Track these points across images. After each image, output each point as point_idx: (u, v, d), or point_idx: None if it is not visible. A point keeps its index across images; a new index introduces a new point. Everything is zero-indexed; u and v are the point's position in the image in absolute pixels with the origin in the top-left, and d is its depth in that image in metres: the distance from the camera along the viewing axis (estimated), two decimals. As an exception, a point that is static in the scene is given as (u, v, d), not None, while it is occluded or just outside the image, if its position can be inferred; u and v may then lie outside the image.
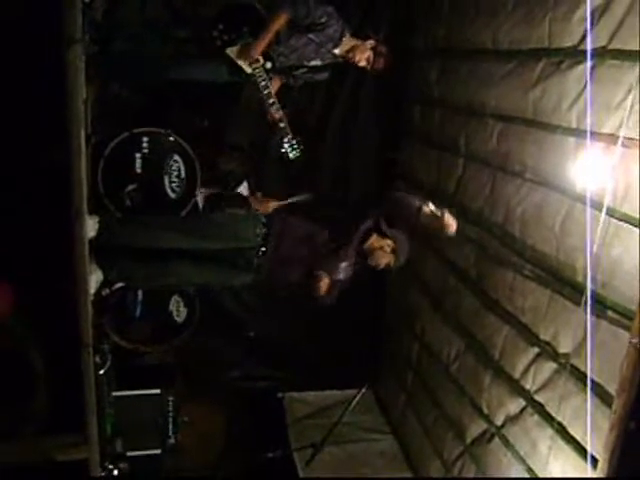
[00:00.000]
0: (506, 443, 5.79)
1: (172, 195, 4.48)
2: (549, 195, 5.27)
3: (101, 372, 3.30)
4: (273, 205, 5.33)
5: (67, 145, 2.85)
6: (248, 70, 4.80)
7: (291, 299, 6.33)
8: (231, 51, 4.71)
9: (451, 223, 4.76)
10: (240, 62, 4.74)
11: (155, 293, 4.52)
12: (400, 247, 5.00)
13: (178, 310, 4.66)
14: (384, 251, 4.90)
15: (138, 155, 4.44)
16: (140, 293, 4.46)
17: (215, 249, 4.20)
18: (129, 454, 4.32)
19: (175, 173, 4.49)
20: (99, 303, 3.50)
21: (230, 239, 4.40)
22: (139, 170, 4.42)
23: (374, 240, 4.91)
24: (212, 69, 4.81)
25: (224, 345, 5.52)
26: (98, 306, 3.38)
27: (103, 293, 3.79)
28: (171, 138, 4.52)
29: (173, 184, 4.48)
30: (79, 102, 2.71)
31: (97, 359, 3.16)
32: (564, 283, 5.07)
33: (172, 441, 4.64)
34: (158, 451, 4.53)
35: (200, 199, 4.71)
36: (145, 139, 4.47)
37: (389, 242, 4.92)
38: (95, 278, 3.55)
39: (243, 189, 5.29)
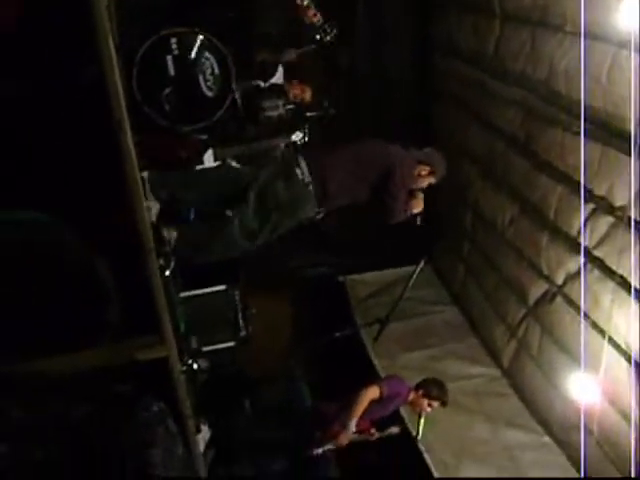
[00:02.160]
0: (569, 301, 5.86)
1: (209, 93, 4.46)
2: (593, 46, 5.08)
3: (167, 273, 3.43)
4: (309, 93, 5.28)
5: (97, 57, 2.82)
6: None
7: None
8: None
9: None
10: None
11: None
12: (437, 166, 4.99)
13: None
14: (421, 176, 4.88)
15: (169, 57, 4.39)
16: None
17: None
18: (204, 349, 4.53)
19: (209, 71, 4.45)
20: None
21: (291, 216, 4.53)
22: (172, 72, 4.39)
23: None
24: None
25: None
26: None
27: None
28: (200, 36, 4.45)
29: (208, 82, 4.45)
30: (102, 8, 2.67)
31: (161, 261, 3.27)
32: (614, 135, 4.97)
33: (243, 333, 4.81)
34: (232, 344, 4.71)
35: (237, 94, 4.68)
36: (174, 40, 4.41)
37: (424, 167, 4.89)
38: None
39: (278, 79, 5.24)
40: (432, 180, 4.99)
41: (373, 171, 4.66)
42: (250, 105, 4.77)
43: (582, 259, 5.46)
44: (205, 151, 4.53)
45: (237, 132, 4.74)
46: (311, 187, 4.47)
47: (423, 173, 4.91)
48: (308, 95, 5.33)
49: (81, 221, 3.00)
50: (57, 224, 3.05)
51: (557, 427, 6.15)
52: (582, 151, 4.97)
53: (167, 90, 4.36)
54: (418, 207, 4.93)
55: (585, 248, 5.54)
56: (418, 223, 5.08)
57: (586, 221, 5.52)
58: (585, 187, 5.44)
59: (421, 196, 4.93)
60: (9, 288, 2.99)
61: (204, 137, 4.60)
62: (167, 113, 4.33)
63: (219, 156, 4.58)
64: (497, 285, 7.18)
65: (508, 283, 6.93)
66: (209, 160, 4.55)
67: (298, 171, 4.48)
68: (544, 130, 6.09)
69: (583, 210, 5.27)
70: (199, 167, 4.50)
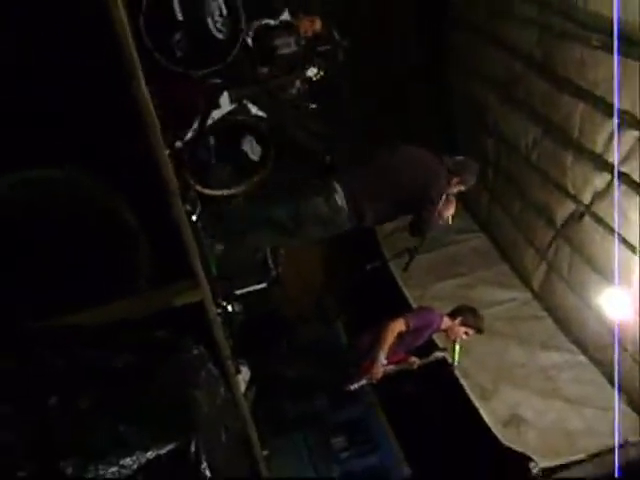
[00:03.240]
0: (597, 219, 5.81)
1: (219, 35, 4.38)
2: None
3: (194, 218, 3.44)
4: (319, 24, 5.19)
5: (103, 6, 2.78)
6: None
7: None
8: None
9: None
10: None
11: (227, 136, 4.55)
12: (468, 175, 5.08)
13: (252, 149, 4.71)
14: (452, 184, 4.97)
15: (176, 2, 4.32)
16: (212, 139, 4.52)
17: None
18: (238, 292, 4.58)
19: (217, 12, 4.36)
20: (175, 156, 3.58)
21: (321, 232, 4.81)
22: (181, 17, 4.32)
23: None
24: None
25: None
26: (174, 159, 3.45)
27: (176, 145, 3.86)
28: (205, -22, 4.36)
29: (217, 24, 4.37)
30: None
31: (187, 207, 3.27)
32: (634, 44, 4.83)
33: (274, 273, 4.85)
34: (264, 285, 4.75)
35: (248, 35, 4.61)
36: (179, -16, 4.34)
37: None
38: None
39: (286, 15, 5.13)
40: (462, 188, 5.08)
41: (409, 192, 4.82)
42: (262, 44, 4.70)
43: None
44: (220, 94, 4.49)
45: (251, 72, 4.68)
46: (345, 213, 4.71)
47: (455, 181, 4.96)
48: (318, 26, 5.23)
49: (104, 170, 2.99)
50: (73, 178, 3.06)
51: (592, 345, 6.17)
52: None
53: (177, 36, 4.29)
54: (450, 212, 5.03)
55: (611, 164, 5.47)
56: (449, 222, 5.21)
57: (610, 137, 5.43)
58: (607, 102, 5.34)
59: (453, 201, 5.02)
60: (36, 249, 3.01)
61: (218, 81, 4.55)
62: (179, 59, 4.28)
63: (235, 98, 4.53)
64: (524, 209, 7.13)
65: (535, 206, 6.88)
66: (225, 103, 4.50)
67: (336, 196, 4.70)
68: (562, 47, 5.95)
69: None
70: (215, 111, 4.46)
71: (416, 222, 4.95)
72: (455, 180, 4.95)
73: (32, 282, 3.04)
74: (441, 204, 4.85)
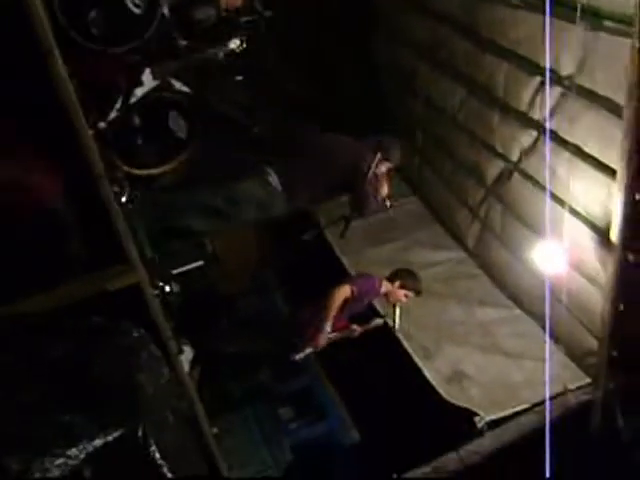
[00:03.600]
0: (526, 176, 5.93)
1: (137, 10, 4.25)
2: None
3: (123, 200, 3.36)
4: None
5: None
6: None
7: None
8: None
9: None
10: None
11: (152, 114, 4.45)
12: (392, 153, 5.31)
13: (178, 125, 4.62)
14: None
15: (89, -23, 4.18)
16: (137, 118, 4.41)
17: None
18: (175, 272, 4.52)
19: (134, -14, 4.26)
20: (99, 137, 3.47)
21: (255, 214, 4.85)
22: (95, -7, 4.19)
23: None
24: None
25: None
26: (99, 140, 3.35)
27: (100, 126, 3.75)
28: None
29: (134, -1, 4.26)
30: None
31: (115, 189, 3.20)
32: (557, 3, 4.90)
33: (210, 250, 4.81)
34: (200, 263, 4.70)
35: (166, 8, 4.48)
36: (91, -41, 4.18)
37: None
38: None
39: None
40: (390, 165, 5.26)
41: (338, 173, 5.03)
42: (181, 18, 4.58)
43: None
44: (142, 71, 4.37)
45: (172, 47, 4.56)
46: (281, 196, 4.86)
47: (378, 159, 5.12)
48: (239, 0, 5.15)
49: (26, 156, 2.90)
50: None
51: (527, 299, 6.33)
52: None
53: (93, 13, 4.14)
54: (385, 190, 5.22)
55: (536, 121, 5.58)
56: (388, 205, 5.46)
57: (535, 94, 5.53)
58: (530, 61, 5.43)
59: (385, 179, 5.21)
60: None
61: (138, 57, 4.42)
62: (96, 36, 4.13)
63: (158, 75, 4.42)
64: (454, 170, 7.23)
65: (465, 167, 6.98)
66: (148, 80, 4.39)
67: (270, 179, 4.85)
68: (484, 7, 6.00)
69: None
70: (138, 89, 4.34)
71: (353, 201, 5.07)
72: (379, 158, 5.03)
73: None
74: (372, 183, 4.98)
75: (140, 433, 2.60)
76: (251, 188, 4.74)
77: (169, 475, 2.65)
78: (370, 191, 5.04)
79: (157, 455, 2.64)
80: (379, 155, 5.07)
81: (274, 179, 4.77)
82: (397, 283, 5.52)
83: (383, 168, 5.11)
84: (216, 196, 4.67)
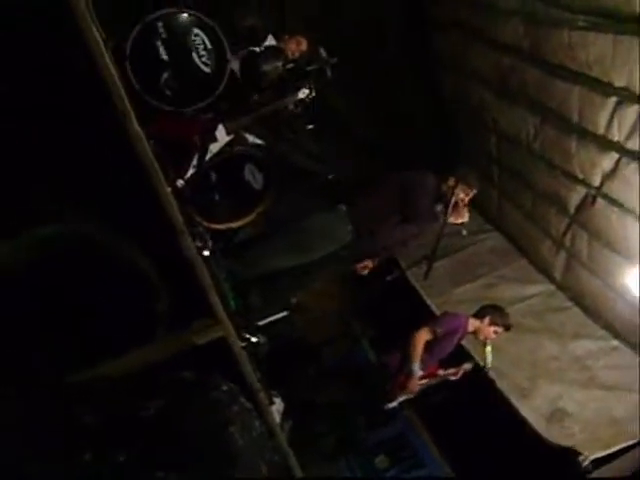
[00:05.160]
0: (610, 200, 5.73)
1: (206, 69, 4.36)
2: None
3: (206, 254, 3.39)
4: (305, 44, 5.20)
5: (88, 53, 2.77)
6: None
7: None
8: None
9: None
10: None
11: (228, 168, 4.52)
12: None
13: (254, 178, 4.68)
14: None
15: (159, 43, 4.30)
16: (213, 173, 4.49)
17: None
18: (261, 323, 4.53)
19: (201, 47, 4.34)
20: (178, 194, 3.54)
21: (329, 244, 4.73)
22: (166, 57, 4.30)
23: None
24: None
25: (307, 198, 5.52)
26: (178, 197, 3.41)
27: (178, 184, 3.82)
28: (184, 14, 4.35)
29: (203, 58, 4.35)
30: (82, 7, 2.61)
31: (197, 244, 3.23)
32: (625, 21, 4.78)
33: (294, 300, 4.80)
34: (285, 313, 4.70)
35: (235, 64, 4.59)
36: (160, 24, 4.32)
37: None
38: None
39: (270, 40, 5.13)
40: (468, 191, 5.08)
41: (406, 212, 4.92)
42: (250, 72, 4.68)
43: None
44: (216, 127, 4.46)
45: (242, 102, 4.65)
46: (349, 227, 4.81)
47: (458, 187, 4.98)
48: (304, 46, 5.23)
49: (111, 219, 2.96)
50: (86, 232, 3.03)
51: (623, 329, 6.06)
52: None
53: (165, 75, 4.28)
54: (463, 218, 5.03)
55: (616, 143, 5.40)
56: (464, 234, 5.31)
57: (612, 115, 5.36)
58: (602, 82, 5.29)
59: (464, 206, 5.03)
60: (55, 303, 2.98)
61: (210, 115, 4.53)
62: (169, 98, 4.25)
63: (230, 130, 4.50)
64: (534, 201, 7.05)
65: (545, 196, 6.80)
66: (222, 135, 4.47)
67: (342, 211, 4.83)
68: (549, 33, 5.90)
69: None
70: (213, 145, 4.43)
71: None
72: (457, 185, 4.94)
73: (56, 338, 3.01)
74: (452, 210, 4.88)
75: (234, 487, 2.57)
76: (324, 218, 4.73)
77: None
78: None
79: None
80: (456, 182, 4.94)
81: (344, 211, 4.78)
82: (485, 320, 5.36)
83: (462, 194, 4.98)
84: (293, 234, 4.68)
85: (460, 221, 5.01)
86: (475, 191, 5.10)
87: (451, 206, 4.88)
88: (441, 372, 5.48)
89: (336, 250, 4.77)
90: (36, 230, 2.96)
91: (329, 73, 5.05)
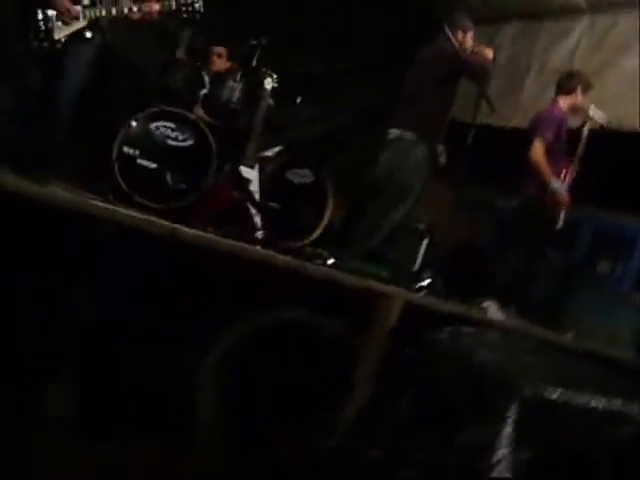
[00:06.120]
0: None
1: (189, 142, 4.41)
2: None
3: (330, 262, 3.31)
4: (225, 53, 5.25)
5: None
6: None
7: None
8: None
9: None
10: None
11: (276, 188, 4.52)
12: None
13: (301, 175, 4.79)
14: None
15: (140, 160, 4.38)
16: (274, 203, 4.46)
17: None
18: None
19: (169, 131, 4.37)
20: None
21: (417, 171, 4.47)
22: (155, 165, 4.39)
23: None
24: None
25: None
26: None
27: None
28: (133, 123, 4.38)
29: (179, 137, 4.40)
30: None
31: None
32: None
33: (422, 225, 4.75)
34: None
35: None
36: (126, 149, 4.35)
37: None
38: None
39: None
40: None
41: None
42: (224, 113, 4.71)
43: None
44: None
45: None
46: None
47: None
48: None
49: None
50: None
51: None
52: None
53: (168, 177, 4.40)
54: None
55: None
56: None
57: None
58: None
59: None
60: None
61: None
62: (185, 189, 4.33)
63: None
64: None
65: None
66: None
67: None
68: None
69: None
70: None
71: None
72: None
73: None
74: None
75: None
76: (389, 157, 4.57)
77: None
78: None
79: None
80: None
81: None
82: (575, 92, 5.04)
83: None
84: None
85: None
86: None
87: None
88: (573, 163, 5.15)
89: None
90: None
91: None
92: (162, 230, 2.84)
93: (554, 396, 2.52)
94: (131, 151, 4.43)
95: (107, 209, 2.83)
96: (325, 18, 6.34)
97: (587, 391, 2.61)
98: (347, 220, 5.05)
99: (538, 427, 2.49)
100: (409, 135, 4.41)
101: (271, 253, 3.36)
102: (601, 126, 5.00)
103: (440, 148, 4.67)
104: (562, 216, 4.93)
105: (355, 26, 6.52)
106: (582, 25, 6.06)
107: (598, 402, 2.60)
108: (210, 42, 5.36)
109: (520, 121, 5.87)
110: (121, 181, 4.33)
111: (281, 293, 3.04)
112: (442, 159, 4.70)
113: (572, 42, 6.09)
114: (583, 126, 4.99)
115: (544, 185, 4.84)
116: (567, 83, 5.01)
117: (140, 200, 4.28)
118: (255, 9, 5.72)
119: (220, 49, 5.30)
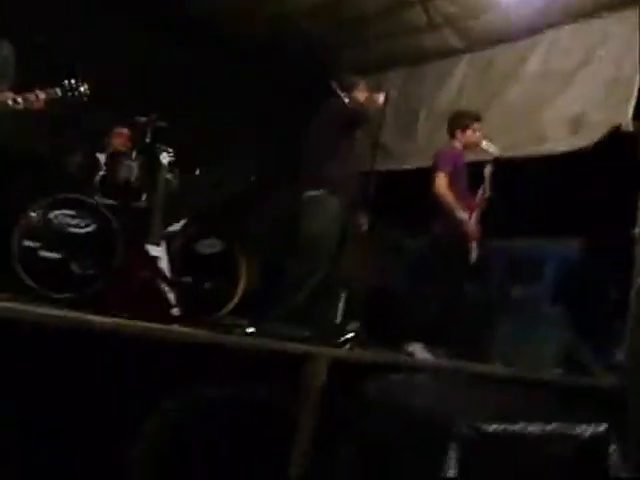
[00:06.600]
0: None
1: (91, 227, 4.33)
2: None
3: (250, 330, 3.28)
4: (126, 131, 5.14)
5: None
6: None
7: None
8: None
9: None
10: None
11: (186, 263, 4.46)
12: None
13: (210, 245, 4.68)
14: None
15: (42, 252, 4.25)
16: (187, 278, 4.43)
17: None
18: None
19: (69, 219, 4.28)
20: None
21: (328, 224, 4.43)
22: (57, 255, 4.26)
23: None
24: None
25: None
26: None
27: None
28: (33, 213, 4.26)
29: (80, 224, 4.30)
30: None
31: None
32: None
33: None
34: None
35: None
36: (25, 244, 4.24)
37: None
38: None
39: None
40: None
41: None
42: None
43: None
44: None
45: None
46: None
47: None
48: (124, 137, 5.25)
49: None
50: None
51: None
52: None
53: (73, 266, 4.26)
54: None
55: None
56: None
57: None
58: None
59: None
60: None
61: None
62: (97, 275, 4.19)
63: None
64: None
65: None
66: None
67: None
68: None
69: None
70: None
71: None
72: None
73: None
74: None
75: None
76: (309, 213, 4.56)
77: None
78: None
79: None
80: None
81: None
82: (467, 130, 5.21)
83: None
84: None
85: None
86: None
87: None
88: (478, 197, 5.28)
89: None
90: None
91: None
92: (72, 323, 2.75)
93: (491, 429, 2.54)
94: (32, 244, 4.27)
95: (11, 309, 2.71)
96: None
97: (523, 417, 2.65)
98: (265, 283, 4.99)
99: (479, 462, 2.50)
100: (320, 192, 4.45)
101: (190, 330, 3.29)
102: (495, 158, 5.20)
103: (363, 218, 4.74)
104: (474, 249, 5.06)
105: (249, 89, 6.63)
106: (463, 64, 6.35)
107: (534, 427, 2.64)
108: (102, 123, 5.28)
109: (418, 163, 6.06)
110: (24, 276, 4.18)
111: (205, 369, 2.97)
112: (364, 227, 4.79)
113: (457, 81, 6.36)
114: (484, 167, 5.21)
115: (452, 220, 4.96)
116: (458, 121, 5.20)
117: (47, 293, 4.14)
118: (143, 86, 5.72)
119: (121, 129, 5.24)
